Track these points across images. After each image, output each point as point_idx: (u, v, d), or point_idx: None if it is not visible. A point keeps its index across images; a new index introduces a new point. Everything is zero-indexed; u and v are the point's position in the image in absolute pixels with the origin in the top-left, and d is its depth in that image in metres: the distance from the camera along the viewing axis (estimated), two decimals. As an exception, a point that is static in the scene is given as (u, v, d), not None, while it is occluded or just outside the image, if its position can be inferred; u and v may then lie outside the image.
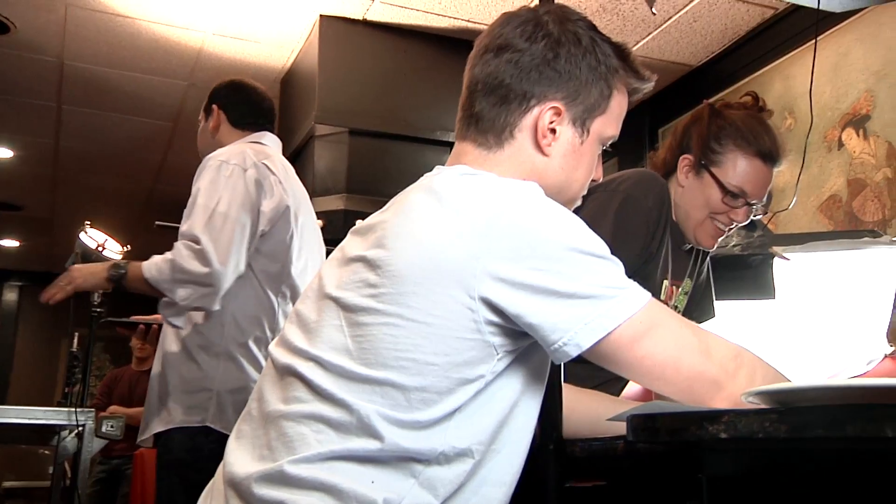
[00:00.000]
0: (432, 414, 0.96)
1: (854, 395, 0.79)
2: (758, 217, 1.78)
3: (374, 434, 0.94)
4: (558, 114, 1.13)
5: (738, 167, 1.69)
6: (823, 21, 2.81)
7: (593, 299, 0.96)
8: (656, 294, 1.74)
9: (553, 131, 1.13)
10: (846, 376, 2.04)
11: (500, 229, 0.96)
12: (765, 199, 1.74)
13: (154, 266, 2.09)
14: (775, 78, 3.56)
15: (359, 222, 1.15)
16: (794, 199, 2.94)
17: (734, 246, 2.39)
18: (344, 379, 0.97)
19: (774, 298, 2.27)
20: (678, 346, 1.00)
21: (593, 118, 1.15)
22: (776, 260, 2.31)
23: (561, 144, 1.14)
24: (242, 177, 2.18)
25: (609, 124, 1.17)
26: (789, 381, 1.00)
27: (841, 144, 3.21)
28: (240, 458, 1.01)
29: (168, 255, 2.10)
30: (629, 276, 1.85)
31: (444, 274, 0.96)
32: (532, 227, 0.97)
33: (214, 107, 2.44)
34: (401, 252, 0.99)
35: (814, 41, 2.58)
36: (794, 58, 3.46)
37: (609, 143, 1.20)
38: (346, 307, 1.01)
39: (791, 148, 3.52)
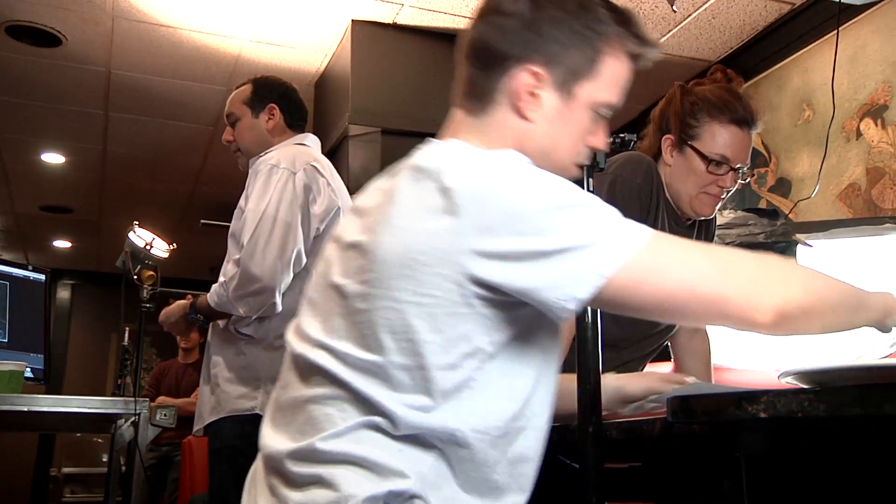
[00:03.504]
0: (439, 393, 0.96)
1: (891, 374, 0.79)
2: (746, 180, 1.86)
3: (388, 415, 0.96)
4: (538, 77, 1.09)
5: (715, 136, 1.77)
6: (842, 14, 2.88)
7: (579, 249, 0.93)
8: None
9: (533, 95, 1.10)
10: (871, 358, 2.12)
11: (477, 204, 0.95)
12: (748, 161, 1.80)
13: (214, 293, 2.20)
14: (793, 71, 3.61)
15: (357, 198, 1.15)
16: (817, 188, 3.02)
17: (759, 234, 2.47)
18: (351, 366, 0.99)
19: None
20: (694, 275, 0.95)
21: (578, 82, 1.11)
22: (800, 247, 2.38)
23: (544, 109, 1.11)
24: (292, 180, 2.22)
25: (601, 90, 1.12)
26: (826, 275, 1.02)
27: (859, 134, 3.26)
28: (276, 441, 1.03)
29: (221, 278, 2.20)
30: None
31: (430, 255, 0.95)
32: (507, 196, 0.96)
33: (273, 106, 2.44)
34: (386, 237, 0.99)
35: (831, 34, 2.65)
36: (811, 51, 3.52)
37: (607, 110, 1.14)
38: (345, 295, 1.01)
39: (810, 139, 3.59)
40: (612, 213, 0.98)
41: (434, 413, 0.96)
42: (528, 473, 1.04)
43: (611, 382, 1.33)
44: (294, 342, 1.09)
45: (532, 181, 0.98)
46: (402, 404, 0.96)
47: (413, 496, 0.95)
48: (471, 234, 0.94)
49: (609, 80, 1.13)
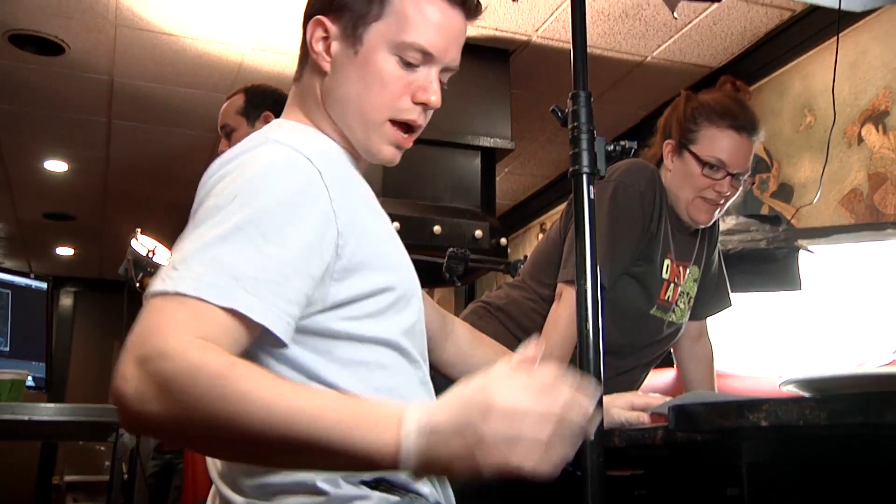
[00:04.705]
0: None
1: (892, 383, 0.78)
2: (747, 188, 1.86)
3: None
4: (323, 26, 1.10)
5: (712, 140, 1.78)
6: (842, 20, 2.88)
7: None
8: (658, 272, 1.84)
9: (323, 46, 1.10)
10: (873, 365, 2.11)
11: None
12: (749, 169, 1.81)
13: None
14: (794, 77, 3.62)
15: None
16: (819, 193, 3.02)
17: (760, 240, 2.47)
18: None
19: (801, 289, 2.33)
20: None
21: (366, 26, 1.08)
22: (802, 252, 2.38)
23: (336, 58, 1.09)
24: None
25: (398, 30, 1.07)
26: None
27: (861, 140, 3.26)
28: None
29: None
30: (633, 258, 1.93)
31: None
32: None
33: (269, 113, 2.42)
34: None
35: (831, 40, 2.66)
36: (812, 57, 3.52)
37: (416, 53, 1.08)
38: None
39: (812, 145, 3.59)
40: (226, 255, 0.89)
41: None
42: None
43: None
44: None
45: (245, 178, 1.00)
46: None
47: None
48: None
49: (406, 18, 1.07)
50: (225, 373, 0.77)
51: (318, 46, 1.10)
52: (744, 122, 1.79)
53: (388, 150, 1.13)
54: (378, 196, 1.19)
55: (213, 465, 1.09)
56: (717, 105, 1.81)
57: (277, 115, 2.46)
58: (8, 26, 3.69)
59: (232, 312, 0.85)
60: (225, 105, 2.52)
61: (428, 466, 0.74)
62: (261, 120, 2.44)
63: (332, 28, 1.09)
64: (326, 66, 1.10)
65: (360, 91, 1.08)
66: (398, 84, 1.08)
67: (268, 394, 0.76)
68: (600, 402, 1.10)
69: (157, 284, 0.86)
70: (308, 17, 1.13)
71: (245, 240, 0.89)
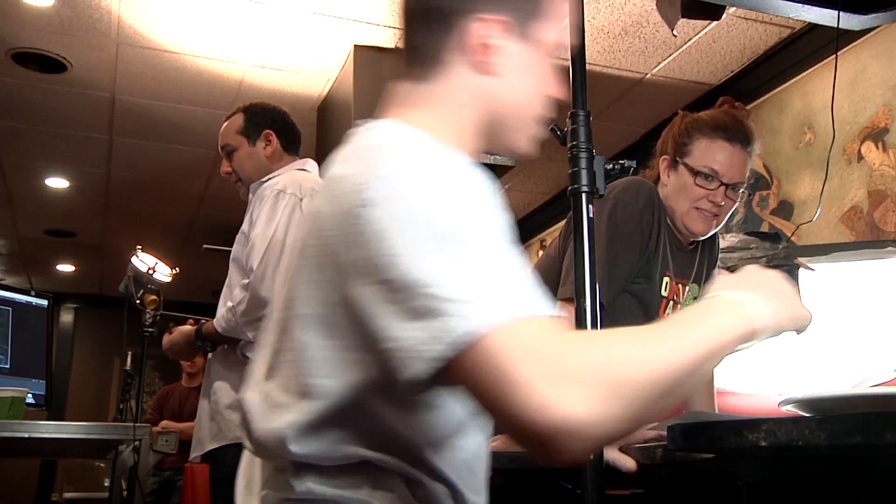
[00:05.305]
0: None
1: (892, 402, 0.79)
2: (743, 199, 1.87)
3: None
4: (493, 25, 0.96)
5: (704, 151, 1.79)
6: (841, 38, 2.89)
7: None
8: (657, 289, 1.83)
9: (492, 46, 0.97)
10: (873, 384, 2.11)
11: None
12: (745, 180, 1.81)
13: (222, 319, 2.21)
14: (794, 94, 3.63)
15: None
16: (819, 210, 3.02)
17: (761, 258, 2.47)
18: None
19: (800, 308, 2.34)
20: None
21: (530, 24, 0.99)
22: (801, 270, 2.38)
23: (511, 59, 0.98)
24: (299, 206, 2.23)
25: (551, 28, 1.01)
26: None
27: (861, 157, 3.27)
28: None
29: (229, 303, 2.21)
30: (632, 276, 1.91)
31: None
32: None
33: (269, 132, 2.44)
34: None
35: (830, 58, 2.67)
36: (811, 75, 3.54)
37: (559, 53, 1.04)
38: None
39: (812, 162, 3.60)
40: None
41: None
42: None
43: None
44: None
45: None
46: None
47: None
48: None
49: (556, 16, 1.02)
50: (631, 343, 0.78)
51: (487, 47, 0.97)
52: (735, 133, 1.80)
53: (534, 144, 1.07)
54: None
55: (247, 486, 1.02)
56: (710, 119, 1.83)
57: (278, 134, 2.52)
58: (10, 44, 3.71)
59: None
60: (224, 125, 2.53)
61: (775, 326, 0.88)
62: (262, 139, 2.46)
63: (498, 25, 0.97)
64: (500, 69, 0.98)
65: (531, 95, 1.02)
66: (549, 84, 1.04)
67: (663, 340, 0.79)
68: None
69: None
70: (432, 8, 0.99)
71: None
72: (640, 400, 0.74)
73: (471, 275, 0.76)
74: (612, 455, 1.29)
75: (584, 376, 0.72)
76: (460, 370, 0.75)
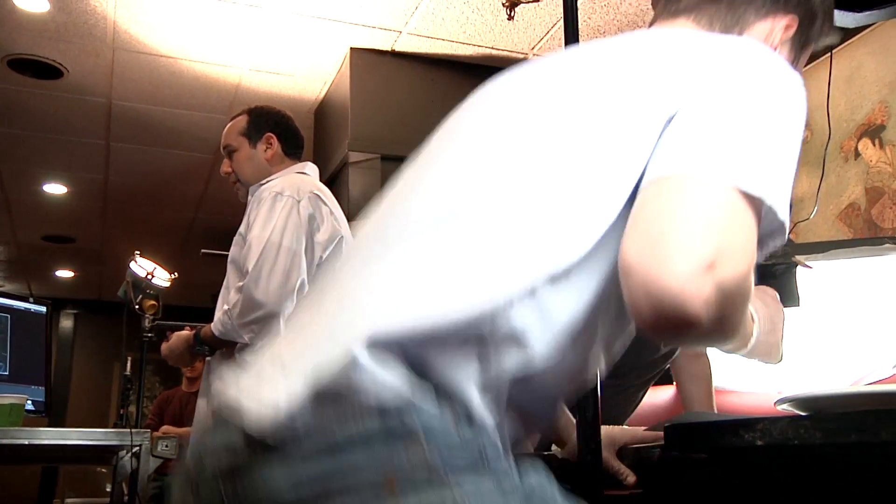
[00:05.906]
0: None
1: (888, 400, 0.79)
2: None
3: None
4: (788, 30, 0.97)
5: None
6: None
7: None
8: None
9: (775, 41, 0.97)
10: (871, 381, 2.11)
11: None
12: None
13: (219, 322, 2.20)
14: (790, 92, 3.64)
15: None
16: (815, 208, 3.02)
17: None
18: None
19: (799, 306, 2.34)
20: None
21: (806, 51, 1.00)
22: (799, 268, 2.38)
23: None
24: (297, 208, 2.23)
25: (804, 63, 1.01)
26: None
27: (857, 154, 3.27)
28: None
29: (225, 306, 2.20)
30: None
31: None
32: None
33: (271, 135, 2.45)
34: None
35: (827, 56, 2.66)
36: (807, 73, 3.49)
37: None
38: None
39: (809, 160, 3.60)
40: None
41: None
42: None
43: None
44: None
45: None
46: None
47: None
48: None
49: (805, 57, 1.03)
50: None
51: (775, 39, 0.97)
52: None
53: None
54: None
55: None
56: None
57: (279, 136, 2.52)
58: (6, 51, 3.72)
59: None
60: (228, 125, 2.53)
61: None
62: (263, 141, 2.46)
63: (790, 35, 0.97)
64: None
65: None
66: None
67: None
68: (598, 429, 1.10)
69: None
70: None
71: None
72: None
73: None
74: (614, 465, 1.29)
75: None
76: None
